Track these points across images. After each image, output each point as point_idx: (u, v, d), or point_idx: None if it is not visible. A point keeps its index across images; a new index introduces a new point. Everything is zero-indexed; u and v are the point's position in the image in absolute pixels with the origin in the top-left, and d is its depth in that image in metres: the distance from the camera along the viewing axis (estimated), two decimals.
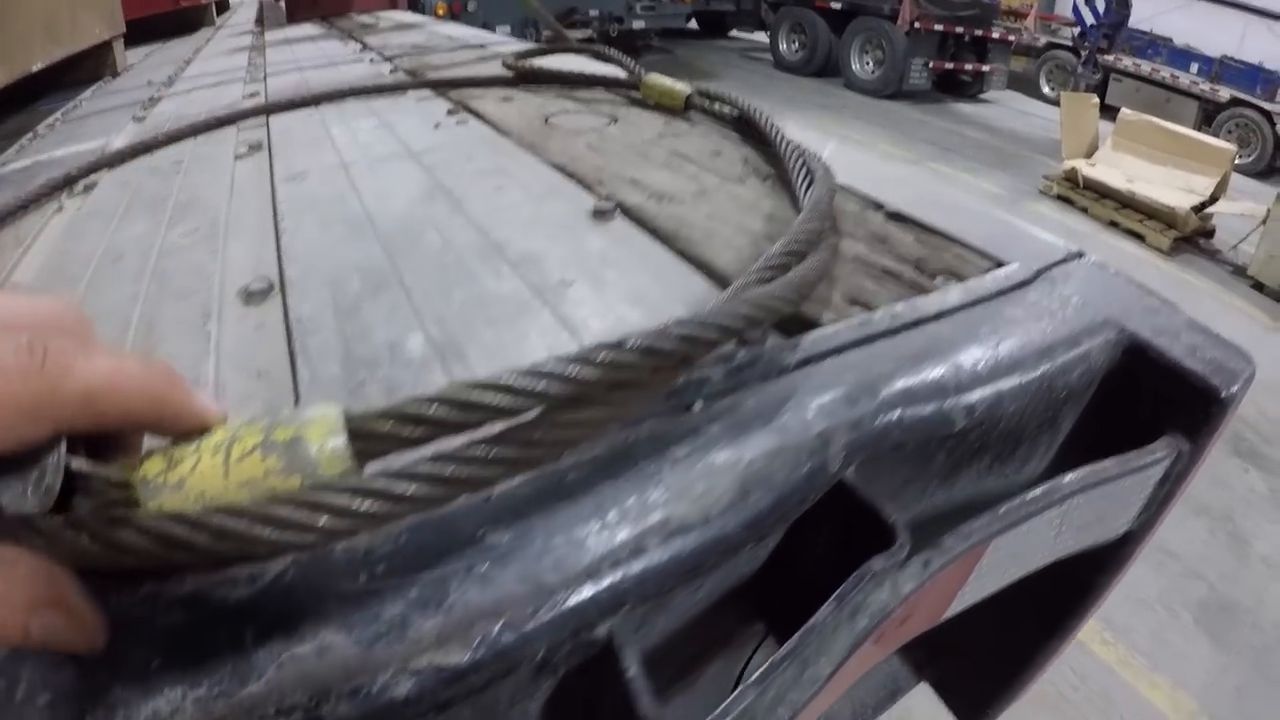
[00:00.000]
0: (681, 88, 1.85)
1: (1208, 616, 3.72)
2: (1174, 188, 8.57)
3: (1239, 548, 4.19)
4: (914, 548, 0.73)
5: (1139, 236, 8.44)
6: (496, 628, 0.54)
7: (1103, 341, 0.92)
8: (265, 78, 3.04)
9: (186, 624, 0.54)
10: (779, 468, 0.67)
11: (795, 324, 0.91)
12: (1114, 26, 13.37)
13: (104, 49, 3.96)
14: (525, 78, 2.23)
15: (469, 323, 0.96)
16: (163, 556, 0.51)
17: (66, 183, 1.81)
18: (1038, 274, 1.04)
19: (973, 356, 0.85)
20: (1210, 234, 8.50)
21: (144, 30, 5.28)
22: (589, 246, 1.16)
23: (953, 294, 0.98)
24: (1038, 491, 0.84)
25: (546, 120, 1.86)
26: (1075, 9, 13.77)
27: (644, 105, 1.95)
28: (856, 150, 1.66)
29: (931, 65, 13.40)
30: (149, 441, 0.65)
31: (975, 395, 0.81)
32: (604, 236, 1.19)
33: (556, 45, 2.69)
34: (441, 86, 2.31)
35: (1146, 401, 0.94)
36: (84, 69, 3.81)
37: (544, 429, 0.61)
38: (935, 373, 0.81)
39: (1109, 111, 10.33)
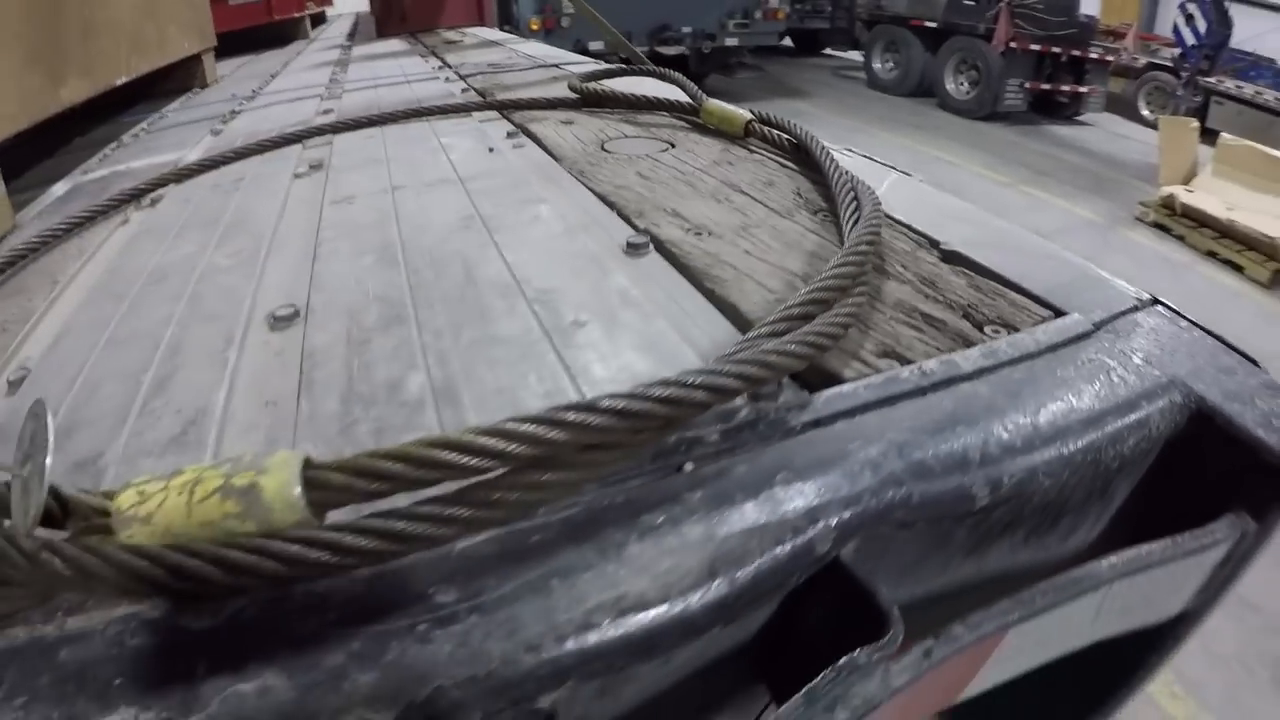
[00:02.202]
0: (741, 114, 1.81)
1: None
2: (1276, 216, 8.21)
3: None
4: (917, 633, 0.66)
5: (1238, 267, 8.06)
6: (426, 691, 0.52)
7: (1165, 405, 0.83)
8: (341, 94, 3.10)
9: (151, 647, 0.56)
10: (756, 546, 0.62)
11: (817, 377, 0.85)
12: (1215, 47, 12.83)
13: (194, 62, 4.08)
14: (589, 100, 2.22)
15: (471, 364, 0.94)
16: (124, 587, 0.55)
17: (135, 196, 1.86)
18: (1099, 326, 0.95)
19: (1006, 424, 0.77)
20: None
21: (238, 42, 5.44)
22: (612, 284, 1.12)
23: (997, 348, 0.89)
24: (1067, 578, 0.76)
25: (603, 145, 1.84)
26: (1175, 29, 13.27)
27: (704, 130, 1.92)
28: (923, 179, 1.59)
29: (1027, 86, 13.05)
30: (126, 474, 0.72)
31: (1003, 469, 0.73)
32: (631, 273, 1.15)
33: (622, 67, 2.68)
34: (507, 108, 2.32)
35: (1211, 473, 0.84)
36: (174, 80, 3.95)
37: (505, 489, 0.59)
38: (958, 443, 0.74)
39: (1210, 136, 9.96)
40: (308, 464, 0.58)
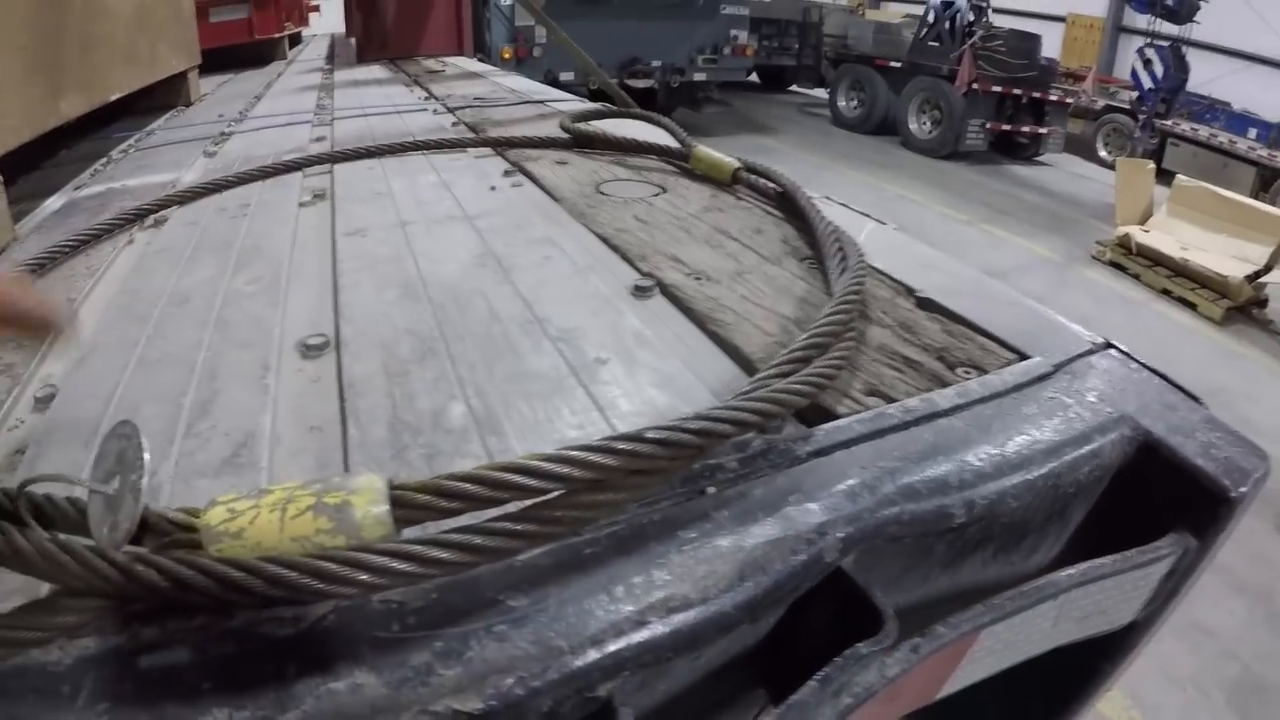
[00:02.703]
0: (729, 162, 1.93)
1: (1240, 698, 3.65)
2: (1228, 256, 8.43)
3: (1278, 627, 4.12)
4: (904, 634, 0.78)
5: (1191, 305, 8.33)
6: (508, 681, 0.60)
7: (1116, 438, 0.96)
8: (333, 121, 3.17)
9: (236, 654, 0.63)
10: (777, 556, 0.73)
11: (814, 413, 0.96)
12: (1172, 90, 13.22)
13: (179, 79, 4.10)
14: (580, 141, 2.32)
15: (507, 396, 1.03)
16: (221, 596, 0.62)
17: (138, 216, 1.91)
18: (1058, 368, 1.08)
19: (979, 454, 0.89)
20: (1264, 304, 8.35)
21: (218, 60, 5.41)
22: (626, 324, 1.22)
23: (970, 388, 1.02)
24: (1031, 586, 0.88)
25: (598, 188, 1.95)
26: (1133, 72, 13.64)
27: (692, 175, 2.04)
28: (896, 226, 1.70)
29: (989, 126, 13.40)
30: (182, 493, 0.82)
31: (977, 493, 0.85)
32: (641, 315, 1.26)
33: (610, 109, 2.78)
34: (501, 145, 2.42)
35: (1157, 498, 0.96)
36: (159, 96, 3.94)
37: (564, 508, 0.70)
38: (939, 470, 0.86)
39: (1166, 176, 10.23)
40: (391, 484, 0.66)
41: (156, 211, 1.95)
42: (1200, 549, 0.96)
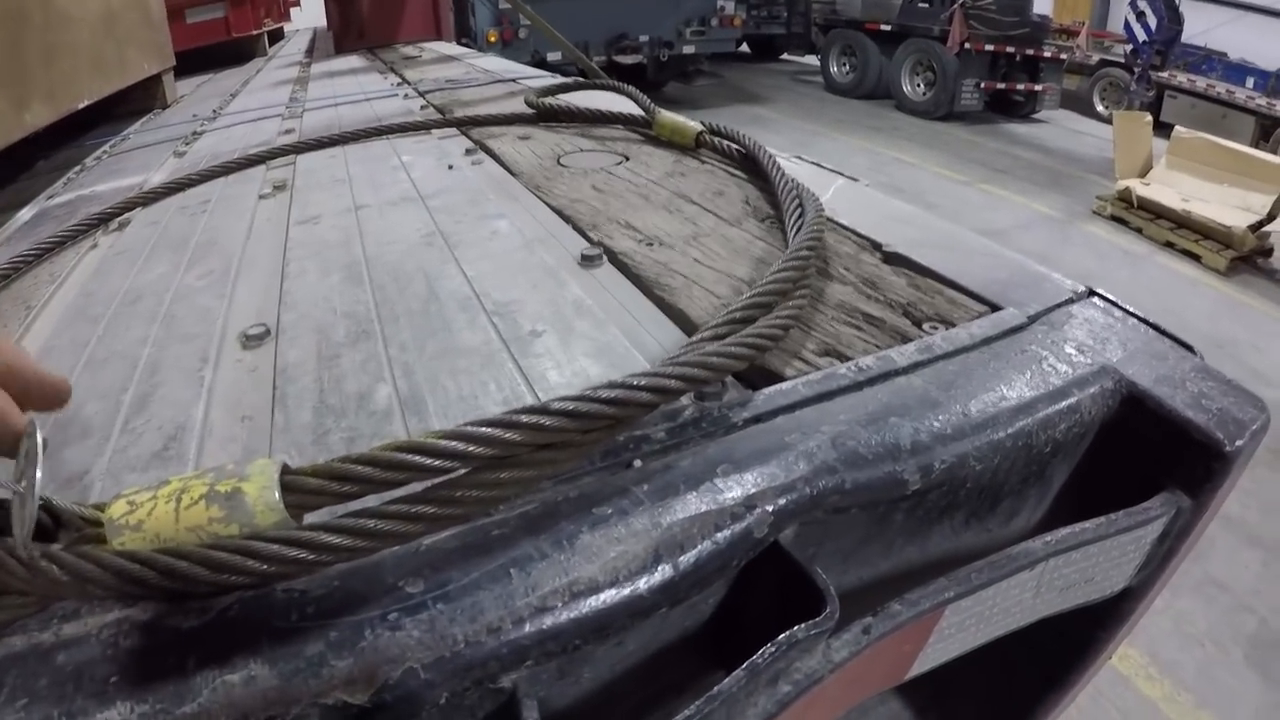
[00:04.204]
0: (692, 126, 1.87)
1: (1258, 652, 3.59)
2: (1231, 206, 8.31)
3: None
4: (853, 614, 0.72)
5: (1195, 257, 8.21)
6: (398, 673, 0.57)
7: (1096, 392, 0.89)
8: (302, 113, 3.12)
9: (143, 647, 0.60)
10: (697, 533, 0.67)
11: (760, 376, 0.90)
12: (1167, 42, 13.04)
13: (153, 82, 4.06)
14: (545, 115, 2.27)
15: (435, 374, 0.98)
16: (119, 589, 0.59)
17: (102, 220, 1.87)
18: (1034, 319, 1.01)
19: (938, 414, 0.82)
20: (1269, 253, 8.23)
21: (197, 60, 5.38)
22: (567, 295, 1.17)
23: (932, 343, 0.95)
24: (1002, 556, 0.81)
25: (559, 160, 1.89)
26: (1127, 25, 13.46)
27: (657, 142, 1.98)
28: (869, 183, 1.65)
29: (983, 86, 13.22)
30: (112, 488, 0.80)
31: (934, 455, 0.79)
32: (585, 284, 1.21)
33: (578, 80, 2.73)
34: (465, 125, 2.37)
35: (1148, 454, 0.89)
36: (134, 101, 3.93)
37: (466, 488, 0.65)
38: (890, 433, 0.79)
39: (1165, 129, 10.13)
40: (285, 470, 0.63)
41: (120, 214, 1.92)
42: (1196, 508, 0.88)
